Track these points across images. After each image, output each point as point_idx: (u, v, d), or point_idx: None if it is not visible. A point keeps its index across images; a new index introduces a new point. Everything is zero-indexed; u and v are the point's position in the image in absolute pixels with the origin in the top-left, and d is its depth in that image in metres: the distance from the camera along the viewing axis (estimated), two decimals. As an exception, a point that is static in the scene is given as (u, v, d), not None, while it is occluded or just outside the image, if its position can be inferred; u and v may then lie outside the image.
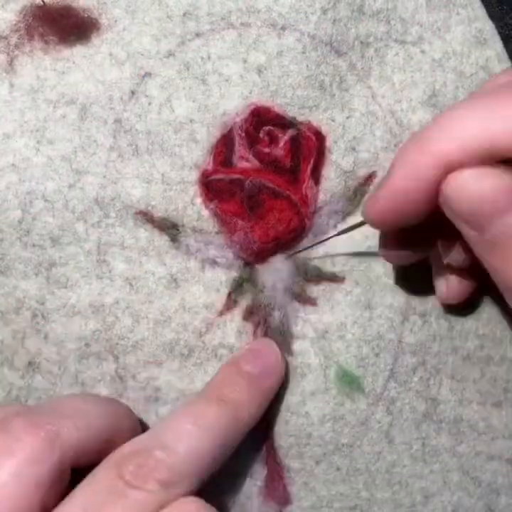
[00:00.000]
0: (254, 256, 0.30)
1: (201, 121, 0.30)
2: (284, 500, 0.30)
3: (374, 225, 0.26)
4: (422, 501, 0.30)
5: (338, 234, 0.30)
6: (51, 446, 0.24)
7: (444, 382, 0.30)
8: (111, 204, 0.29)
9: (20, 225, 0.29)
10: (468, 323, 0.31)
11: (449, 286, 0.29)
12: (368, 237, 0.30)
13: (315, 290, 0.30)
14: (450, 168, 0.22)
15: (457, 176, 0.22)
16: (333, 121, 0.30)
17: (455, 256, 0.26)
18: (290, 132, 0.30)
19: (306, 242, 0.30)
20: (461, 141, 0.22)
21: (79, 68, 0.30)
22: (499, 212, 0.22)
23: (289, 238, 0.30)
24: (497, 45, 0.31)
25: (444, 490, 0.30)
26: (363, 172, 0.31)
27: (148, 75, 0.30)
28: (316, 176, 0.30)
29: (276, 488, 0.30)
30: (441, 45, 0.31)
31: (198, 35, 0.30)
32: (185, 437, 0.25)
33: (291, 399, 0.30)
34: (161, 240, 0.30)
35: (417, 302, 0.30)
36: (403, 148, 0.24)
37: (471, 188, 0.22)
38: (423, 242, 0.27)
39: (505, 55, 0.31)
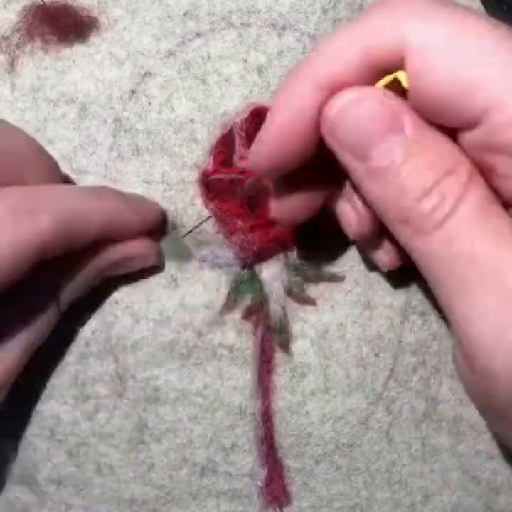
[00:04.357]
0: (254, 256, 0.30)
1: (201, 121, 0.30)
2: (284, 500, 0.30)
3: (263, 169, 0.24)
4: (421, 500, 0.30)
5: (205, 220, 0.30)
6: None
7: (444, 382, 0.30)
8: (111, 203, 0.29)
9: None
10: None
11: (386, 252, 0.27)
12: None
13: (314, 290, 0.30)
14: (330, 90, 0.21)
15: (337, 99, 0.21)
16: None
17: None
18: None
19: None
20: (335, 59, 0.21)
21: (79, 67, 0.30)
22: (381, 134, 0.21)
23: (289, 238, 0.30)
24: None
25: (443, 489, 0.30)
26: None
27: (148, 74, 0.30)
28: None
29: (277, 488, 0.30)
30: (441, 45, 0.31)
31: (198, 34, 0.30)
32: None
33: (291, 399, 0.30)
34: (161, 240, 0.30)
35: (417, 302, 0.30)
36: (284, 81, 0.22)
37: (352, 111, 0.21)
38: (315, 191, 0.26)
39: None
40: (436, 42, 0.20)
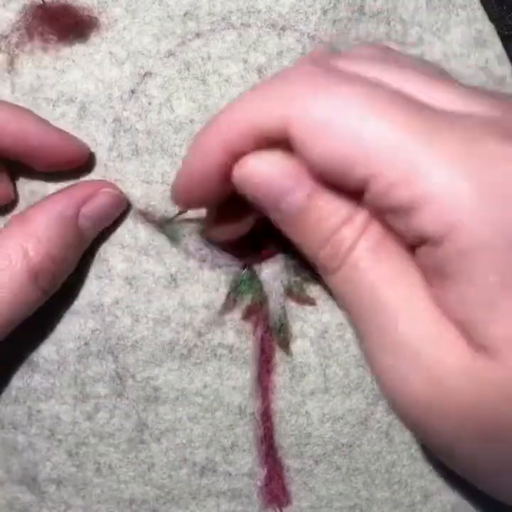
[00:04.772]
0: (254, 256, 0.30)
1: (201, 122, 0.30)
2: (284, 500, 0.30)
3: (180, 204, 0.27)
4: (421, 500, 0.30)
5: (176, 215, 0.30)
6: None
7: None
8: (111, 203, 0.29)
9: None
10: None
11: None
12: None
13: (314, 290, 0.30)
14: (235, 153, 0.23)
15: (240, 166, 0.23)
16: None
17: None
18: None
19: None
20: (233, 131, 0.22)
21: (78, 67, 0.30)
22: (283, 193, 0.23)
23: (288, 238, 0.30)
24: (496, 45, 0.31)
25: (443, 489, 0.30)
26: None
27: (148, 74, 0.30)
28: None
29: (276, 488, 0.30)
30: (441, 46, 0.31)
31: (198, 35, 0.30)
32: None
33: (290, 399, 0.30)
34: (161, 240, 0.30)
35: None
36: (199, 131, 0.24)
37: (254, 175, 0.23)
38: (243, 215, 0.27)
39: (504, 56, 0.31)
40: (314, 124, 0.21)
